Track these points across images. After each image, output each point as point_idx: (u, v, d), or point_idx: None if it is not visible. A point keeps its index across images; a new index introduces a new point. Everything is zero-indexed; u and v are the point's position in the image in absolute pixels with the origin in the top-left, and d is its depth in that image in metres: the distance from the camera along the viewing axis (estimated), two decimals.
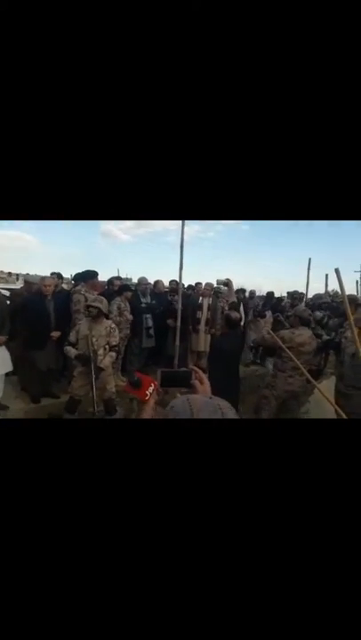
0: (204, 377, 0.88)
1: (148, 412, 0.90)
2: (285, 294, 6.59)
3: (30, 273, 4.66)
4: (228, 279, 3.72)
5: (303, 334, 2.78)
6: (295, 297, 5.35)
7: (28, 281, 4.18)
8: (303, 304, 4.45)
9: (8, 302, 3.50)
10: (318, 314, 3.64)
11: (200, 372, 0.89)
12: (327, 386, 3.87)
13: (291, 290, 6.00)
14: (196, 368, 0.91)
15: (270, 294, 5.79)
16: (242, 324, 4.31)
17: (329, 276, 5.78)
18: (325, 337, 3.15)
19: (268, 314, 4.84)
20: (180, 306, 4.04)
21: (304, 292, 5.36)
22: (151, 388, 0.93)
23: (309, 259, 5.33)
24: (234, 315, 2.84)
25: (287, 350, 2.58)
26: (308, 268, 5.27)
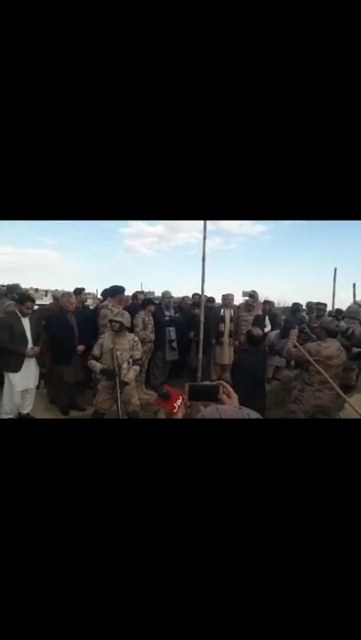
0: (232, 391, 0.88)
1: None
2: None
3: (58, 289, 4.83)
4: (253, 291, 3.65)
5: (330, 347, 2.69)
6: (319, 308, 5.13)
7: (56, 296, 4.35)
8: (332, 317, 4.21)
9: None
10: (343, 324, 3.50)
11: (228, 386, 0.89)
12: (359, 399, 3.69)
13: (313, 301, 5.54)
14: (223, 382, 0.91)
15: (296, 306, 5.13)
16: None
17: (357, 285, 5.58)
18: (356, 349, 3.00)
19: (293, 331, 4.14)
20: (202, 318, 4.05)
21: (330, 302, 5.20)
22: (179, 401, 0.95)
23: (335, 268, 5.21)
24: (256, 331, 2.80)
25: (315, 363, 2.51)
26: (334, 278, 5.14)
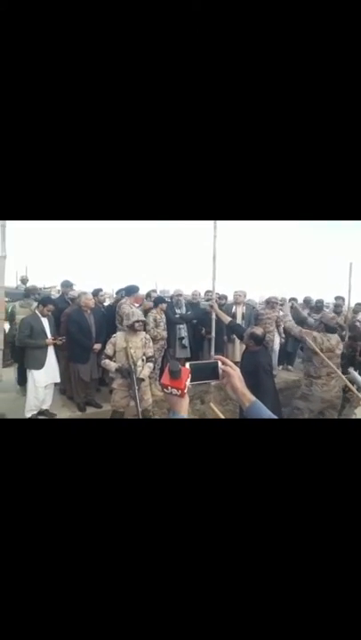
0: (232, 364, 0.85)
1: (184, 408, 0.82)
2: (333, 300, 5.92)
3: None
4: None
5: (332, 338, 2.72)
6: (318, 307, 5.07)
7: (73, 298, 4.45)
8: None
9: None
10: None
11: (227, 360, 0.86)
12: None
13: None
14: (222, 357, 0.87)
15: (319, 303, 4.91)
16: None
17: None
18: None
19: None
20: (213, 316, 4.09)
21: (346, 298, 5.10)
22: (188, 380, 0.83)
23: (350, 263, 5.04)
24: (259, 330, 2.83)
25: (320, 353, 2.53)
26: (350, 274, 4.99)
